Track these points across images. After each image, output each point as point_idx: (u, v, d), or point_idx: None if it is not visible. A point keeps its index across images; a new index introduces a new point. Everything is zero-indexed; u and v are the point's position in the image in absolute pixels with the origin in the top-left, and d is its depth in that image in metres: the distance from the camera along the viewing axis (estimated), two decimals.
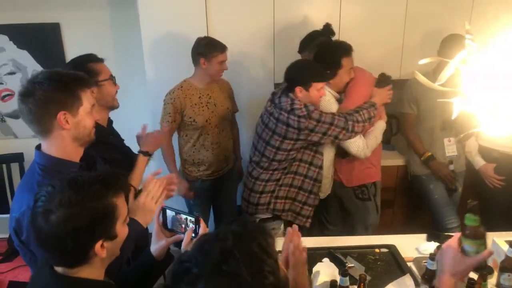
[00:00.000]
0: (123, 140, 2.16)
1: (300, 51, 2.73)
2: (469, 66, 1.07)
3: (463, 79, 1.08)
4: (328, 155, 2.49)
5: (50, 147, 1.43)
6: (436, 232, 2.70)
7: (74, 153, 1.47)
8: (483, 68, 1.05)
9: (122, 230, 1.17)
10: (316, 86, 2.26)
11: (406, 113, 2.80)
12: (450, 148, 2.73)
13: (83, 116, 1.44)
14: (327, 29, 2.65)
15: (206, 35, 2.78)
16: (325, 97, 2.41)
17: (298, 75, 2.28)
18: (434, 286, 1.09)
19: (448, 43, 2.48)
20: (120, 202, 1.14)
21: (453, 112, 1.11)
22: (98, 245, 1.09)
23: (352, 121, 2.29)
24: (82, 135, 1.46)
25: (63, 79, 1.40)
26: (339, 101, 2.50)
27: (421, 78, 1.15)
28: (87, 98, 1.46)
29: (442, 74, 1.10)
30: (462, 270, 1.08)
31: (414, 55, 2.90)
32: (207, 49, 2.54)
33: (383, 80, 2.41)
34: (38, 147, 1.46)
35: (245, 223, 0.87)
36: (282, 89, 2.36)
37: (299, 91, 2.26)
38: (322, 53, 2.45)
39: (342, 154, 2.54)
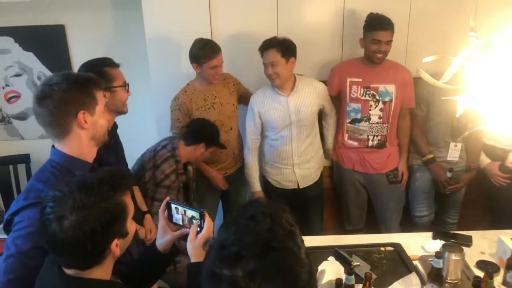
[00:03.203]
0: (123, 151, 2.17)
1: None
2: (473, 63, 1.07)
3: (467, 77, 1.08)
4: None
5: (65, 147, 1.44)
6: (442, 231, 2.70)
7: (89, 153, 1.48)
8: (487, 66, 1.05)
9: (131, 226, 1.19)
10: None
11: (416, 114, 2.80)
12: (453, 153, 2.74)
13: (100, 116, 1.47)
14: None
15: (210, 35, 2.78)
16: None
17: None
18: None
19: None
20: (128, 200, 1.17)
21: (458, 110, 1.11)
22: (113, 244, 1.11)
23: None
24: (98, 135, 1.48)
25: (79, 80, 1.44)
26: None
27: (425, 76, 1.15)
28: (100, 98, 1.48)
29: (446, 72, 1.10)
30: None
31: (419, 53, 2.88)
32: (197, 54, 2.52)
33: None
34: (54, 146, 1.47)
35: (265, 204, 0.89)
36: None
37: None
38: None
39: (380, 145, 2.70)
